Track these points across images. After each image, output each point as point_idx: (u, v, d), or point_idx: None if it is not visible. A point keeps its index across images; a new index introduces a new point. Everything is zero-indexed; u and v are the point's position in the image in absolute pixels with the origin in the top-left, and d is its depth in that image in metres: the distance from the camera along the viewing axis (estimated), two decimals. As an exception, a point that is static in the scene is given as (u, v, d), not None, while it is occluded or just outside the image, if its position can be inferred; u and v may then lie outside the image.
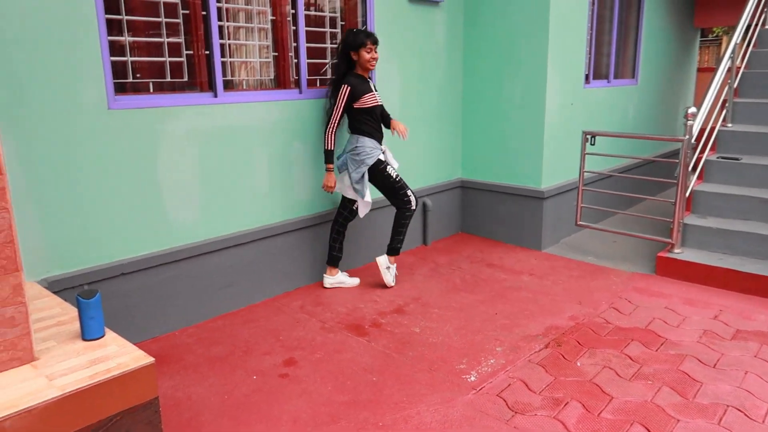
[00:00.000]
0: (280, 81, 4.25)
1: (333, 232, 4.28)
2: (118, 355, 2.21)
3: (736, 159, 4.91)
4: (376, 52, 4.05)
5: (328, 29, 4.51)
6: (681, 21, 7.33)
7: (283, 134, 4.08)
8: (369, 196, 4.11)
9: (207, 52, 3.71)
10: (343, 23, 4.58)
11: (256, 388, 3.00)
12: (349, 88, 3.97)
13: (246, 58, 4.07)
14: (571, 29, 5.12)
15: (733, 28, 5.24)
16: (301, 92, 4.18)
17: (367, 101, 4.04)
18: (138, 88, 3.51)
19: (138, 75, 3.51)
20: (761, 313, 3.88)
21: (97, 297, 2.30)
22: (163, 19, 3.55)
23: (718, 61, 4.93)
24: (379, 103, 4.15)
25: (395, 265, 4.38)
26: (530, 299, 4.14)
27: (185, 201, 3.61)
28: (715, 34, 14.66)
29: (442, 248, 5.25)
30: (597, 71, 5.87)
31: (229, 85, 3.94)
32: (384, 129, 4.27)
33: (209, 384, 3.04)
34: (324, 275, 4.34)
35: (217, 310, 3.84)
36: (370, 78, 4.18)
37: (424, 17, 4.95)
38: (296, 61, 4.19)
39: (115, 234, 3.32)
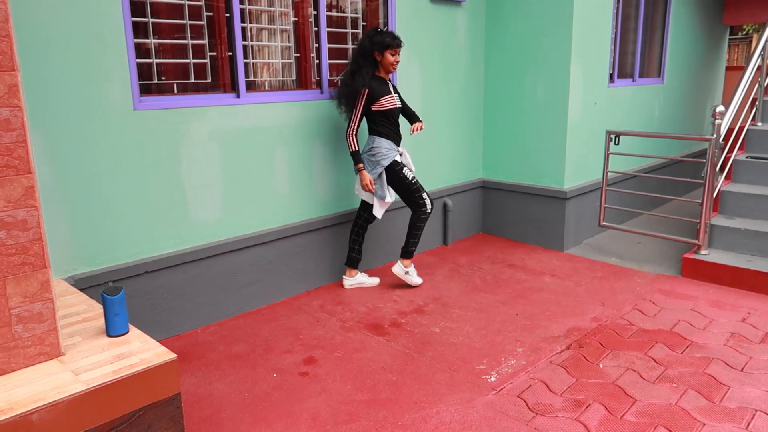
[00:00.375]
0: (302, 81, 4.28)
1: (352, 233, 4.28)
2: (141, 351, 2.25)
3: (766, 159, 4.80)
4: (399, 55, 4.02)
5: (349, 30, 4.53)
6: (709, 18, 7.19)
7: (304, 134, 4.11)
8: (390, 196, 4.10)
9: (230, 54, 3.75)
10: (364, 24, 4.60)
11: (276, 386, 3.03)
12: (367, 90, 3.92)
13: (268, 59, 4.11)
14: (594, 27, 5.05)
15: (764, 25, 5.12)
16: (322, 92, 4.20)
17: (384, 104, 3.99)
18: (163, 90, 3.57)
19: (163, 77, 3.57)
20: (791, 317, 3.78)
21: (121, 294, 2.34)
22: (187, 22, 3.60)
23: (748, 58, 4.81)
24: (397, 105, 4.09)
25: (413, 265, 4.35)
26: (552, 300, 4.10)
27: (208, 200, 3.65)
28: (745, 32, 14.34)
29: (462, 249, 5.23)
30: (622, 70, 5.78)
31: (251, 86, 3.98)
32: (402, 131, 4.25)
33: (230, 381, 3.08)
34: (343, 276, 4.35)
35: (238, 309, 3.88)
36: (389, 79, 4.15)
37: (445, 17, 4.94)
38: (318, 61, 4.21)
39: (139, 233, 3.38)
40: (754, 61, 4.80)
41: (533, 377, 3.09)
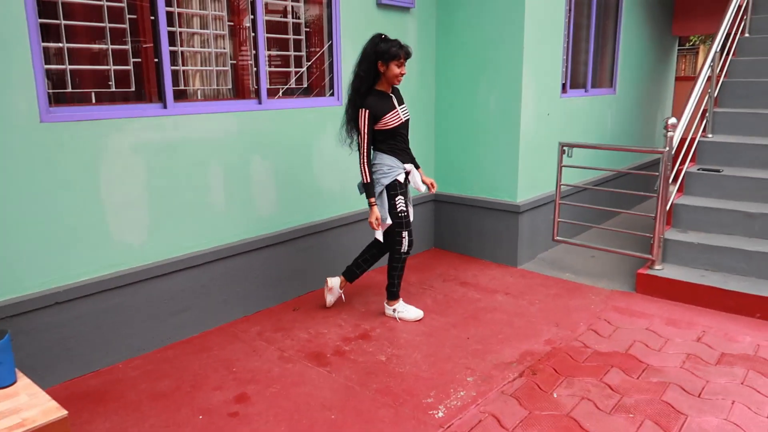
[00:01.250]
0: (239, 91, 3.99)
1: (362, 255, 4.02)
2: (27, 407, 1.92)
3: (717, 171, 4.75)
4: (405, 66, 3.61)
5: (291, 36, 4.27)
6: (659, 29, 7.21)
7: (242, 147, 3.82)
8: (389, 218, 3.72)
9: (156, 60, 3.43)
10: (308, 30, 4.35)
11: (202, 430, 2.72)
12: (368, 111, 3.53)
13: (201, 66, 3.80)
14: (547, 37, 4.93)
15: (712, 36, 5.10)
16: (260, 103, 3.92)
17: (388, 122, 3.59)
18: (81, 99, 3.24)
19: (78, 85, 3.23)
20: (746, 334, 3.69)
21: (6, 339, 2.01)
22: (107, 24, 3.27)
23: (699, 69, 4.76)
24: (403, 120, 3.67)
25: (401, 301, 3.94)
26: (505, 321, 3.91)
27: (131, 221, 3.32)
28: (691, 43, 14.71)
29: (413, 265, 5.01)
30: (574, 80, 5.69)
31: (182, 96, 3.68)
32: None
33: (149, 426, 2.75)
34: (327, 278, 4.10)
35: (167, 339, 3.55)
36: (393, 92, 3.71)
37: (394, 24, 4.73)
38: (256, 69, 3.93)
39: (49, 259, 3.02)
40: (705, 72, 4.75)
41: (483, 411, 2.88)
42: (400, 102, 3.71)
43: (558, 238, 4.93)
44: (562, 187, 4.88)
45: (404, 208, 3.72)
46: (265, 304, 4.08)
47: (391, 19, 4.70)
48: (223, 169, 3.72)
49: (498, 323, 3.88)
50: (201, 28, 3.76)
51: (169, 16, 3.52)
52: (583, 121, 5.74)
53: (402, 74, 3.59)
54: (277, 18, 4.16)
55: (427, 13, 5.02)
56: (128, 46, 3.38)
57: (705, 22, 7.42)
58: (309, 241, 4.30)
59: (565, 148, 4.72)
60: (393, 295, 3.91)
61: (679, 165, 4.75)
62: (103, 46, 3.29)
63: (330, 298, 4.07)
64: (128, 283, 3.31)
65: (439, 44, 5.15)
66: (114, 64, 3.34)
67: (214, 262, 3.72)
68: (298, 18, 4.29)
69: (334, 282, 4.05)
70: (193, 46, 3.75)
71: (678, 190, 4.78)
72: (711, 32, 7.76)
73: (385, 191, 3.67)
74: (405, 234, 3.77)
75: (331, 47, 4.35)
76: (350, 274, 4.04)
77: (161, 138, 3.39)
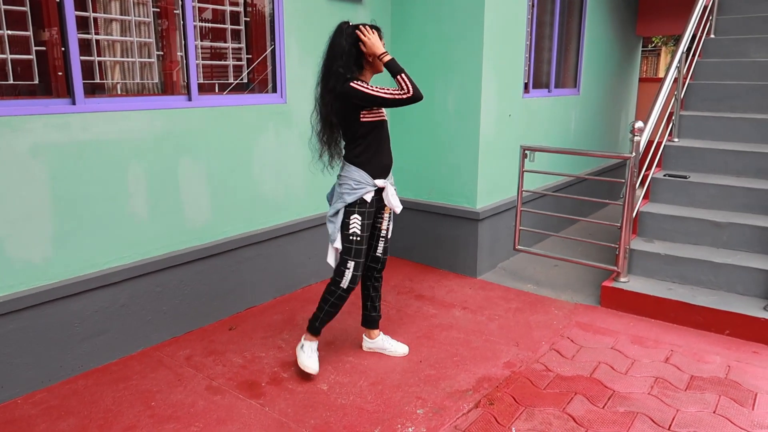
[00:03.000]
0: (168, 86, 3.57)
1: (362, 287, 3.39)
2: None
3: (684, 177, 4.53)
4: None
5: (228, 26, 3.86)
6: (623, 29, 7.02)
7: (169, 149, 3.40)
8: (339, 241, 3.04)
9: (63, 50, 2.99)
10: (247, 19, 3.94)
11: (102, 485, 2.32)
12: (361, 80, 2.89)
13: (121, 57, 3.37)
14: (509, 34, 4.63)
15: (678, 37, 4.88)
16: (190, 99, 3.50)
17: (377, 112, 2.95)
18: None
19: (-35, 76, 2.78)
20: (716, 354, 3.45)
21: None
22: (1, 6, 2.81)
23: (666, 71, 4.54)
24: (385, 118, 3.03)
25: (315, 343, 3.17)
26: (461, 341, 3.59)
27: (31, 235, 2.87)
28: (654, 44, 14.74)
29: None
30: (537, 80, 5.42)
31: (98, 90, 3.24)
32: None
33: (39, 481, 2.34)
34: (363, 336, 3.48)
35: (78, 367, 3.11)
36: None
37: (343, 16, 4.34)
38: (186, 62, 3.51)
39: (-75, 280, 2.56)
40: (671, 74, 4.52)
41: (433, 451, 2.54)
42: None
43: (519, 247, 4.64)
44: (523, 193, 4.59)
45: (358, 231, 2.99)
46: (197, 323, 3.67)
47: (339, 10, 4.32)
48: (145, 174, 3.30)
49: (454, 343, 3.56)
50: (120, 14, 3.32)
51: (81, -1, 3.08)
52: (545, 122, 5.48)
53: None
54: (211, 5, 3.74)
55: (380, 5, 4.66)
56: (29, 33, 2.93)
57: (669, 23, 7.26)
58: (248, 253, 3.90)
59: (527, 151, 4.43)
60: (313, 330, 3.16)
61: (645, 170, 4.52)
62: (-2, 32, 2.84)
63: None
64: (28, 305, 2.86)
65: (393, 40, 4.81)
66: (12, 53, 2.88)
67: (136, 278, 3.30)
68: (237, 6, 3.88)
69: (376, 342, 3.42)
70: (111, 34, 3.31)
71: (644, 197, 4.54)
72: (675, 33, 7.63)
73: (342, 213, 3.01)
74: (351, 264, 3.02)
75: (273, 39, 3.95)
76: (368, 321, 3.43)
77: (68, 139, 2.95)
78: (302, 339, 3.18)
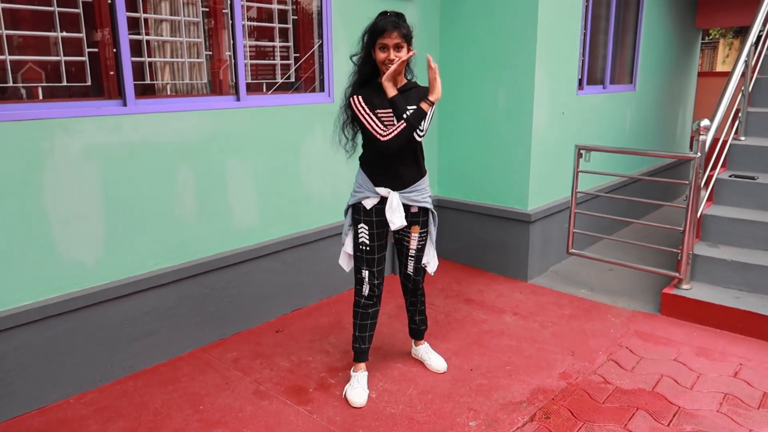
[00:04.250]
0: (216, 86, 3.55)
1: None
2: None
3: (752, 178, 4.26)
4: (396, 50, 2.58)
5: (276, 24, 3.81)
6: (682, 21, 6.70)
7: (217, 150, 3.37)
8: (350, 245, 2.89)
9: (115, 51, 2.99)
10: (295, 18, 3.89)
11: (152, 491, 2.30)
12: (359, 97, 2.66)
13: (171, 57, 3.36)
14: (562, 28, 4.45)
15: (740, 29, 4.59)
16: (239, 99, 3.47)
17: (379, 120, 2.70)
18: (27, 95, 2.81)
19: (21, 78, 2.80)
20: (790, 369, 3.22)
21: None
22: (55, 8, 2.83)
23: (734, 65, 4.27)
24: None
25: (360, 373, 3.00)
26: (513, 348, 3.46)
27: (84, 236, 2.88)
28: (711, 37, 14.11)
29: (414, 278, 4.56)
30: (591, 76, 5.20)
31: (149, 91, 3.24)
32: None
33: (90, 485, 2.33)
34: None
35: (128, 368, 3.12)
36: (406, 87, 2.73)
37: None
38: (234, 61, 3.48)
39: (-18, 281, 2.60)
40: (739, 68, 4.25)
41: (488, 468, 2.43)
42: (406, 104, 2.65)
43: (573, 250, 4.45)
44: (578, 194, 4.40)
45: (366, 242, 2.80)
46: (244, 324, 3.65)
47: (388, 6, 4.21)
48: (194, 175, 3.28)
49: (506, 351, 3.42)
50: (170, 14, 3.31)
51: (132, 0, 3.08)
52: (600, 120, 5.26)
53: (389, 60, 2.57)
54: (260, 4, 3.70)
55: (430, 2, 4.54)
56: (82, 34, 2.94)
57: (731, 14, 6.89)
58: (295, 254, 3.86)
59: (582, 151, 4.24)
60: (354, 354, 3.02)
61: (710, 171, 4.26)
62: (52, 34, 2.85)
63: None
64: (80, 306, 2.88)
65: (443, 36, 4.68)
66: (65, 55, 2.90)
67: (184, 280, 3.29)
68: (285, 4, 3.83)
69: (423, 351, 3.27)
70: (162, 35, 3.31)
71: (707, 199, 4.29)
72: (737, 25, 7.24)
73: (350, 212, 2.88)
74: (365, 273, 2.84)
75: (321, 37, 3.89)
76: (411, 331, 3.30)
77: (119, 140, 2.95)
78: (351, 369, 3.05)
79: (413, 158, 2.76)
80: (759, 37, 4.70)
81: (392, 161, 2.72)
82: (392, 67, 2.56)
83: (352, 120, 2.77)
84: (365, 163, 2.80)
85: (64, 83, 2.93)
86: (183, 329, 3.33)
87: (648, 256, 4.93)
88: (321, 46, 3.90)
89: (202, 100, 3.33)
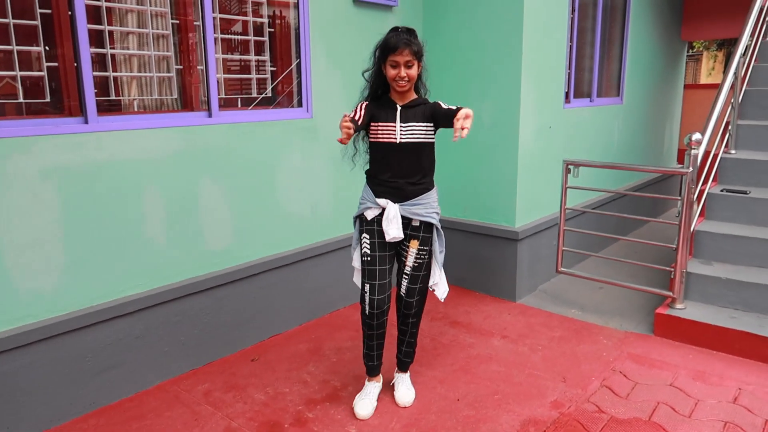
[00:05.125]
0: (188, 101, 3.37)
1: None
2: None
3: (744, 192, 4.15)
4: (407, 67, 2.59)
5: (252, 37, 3.66)
6: (668, 33, 6.64)
7: (187, 168, 3.19)
8: (358, 260, 2.87)
9: (76, 65, 2.81)
10: (272, 30, 3.74)
11: None
12: (365, 102, 2.70)
13: (140, 72, 3.18)
14: (548, 41, 4.33)
15: (723, 41, 4.51)
16: (210, 115, 3.30)
17: (378, 132, 2.68)
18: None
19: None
20: (791, 394, 3.07)
21: None
22: (10, 20, 2.65)
23: (723, 77, 4.18)
24: (397, 141, 2.66)
25: (372, 384, 2.99)
26: (502, 375, 3.28)
27: (40, 263, 2.68)
28: (694, 49, 14.17)
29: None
30: (578, 89, 5.10)
31: (114, 108, 3.06)
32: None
33: None
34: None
35: (90, 405, 2.90)
36: (409, 105, 2.71)
37: (374, 24, 4.12)
38: (206, 76, 3.31)
39: (-75, 315, 2.39)
40: (729, 80, 4.15)
41: None
42: (410, 119, 2.67)
43: (562, 269, 4.30)
44: (566, 211, 4.26)
45: (368, 251, 2.77)
46: (217, 353, 3.45)
47: (369, 18, 4.09)
48: (163, 196, 3.10)
49: (494, 378, 3.25)
50: (138, 27, 3.14)
51: (96, 11, 2.91)
52: (587, 134, 5.14)
53: (400, 77, 2.59)
54: (234, 16, 3.55)
55: (412, 12, 4.42)
56: (41, 48, 2.76)
57: (717, 26, 6.85)
58: (272, 277, 3.67)
59: (570, 166, 4.11)
60: (367, 368, 3.00)
61: (701, 185, 4.14)
62: (7, 48, 2.67)
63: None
64: (37, 339, 2.67)
65: (426, 48, 4.53)
66: (22, 70, 2.72)
67: (152, 307, 3.09)
68: (261, 16, 3.68)
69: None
70: (128, 48, 3.13)
71: (699, 214, 4.17)
72: (723, 37, 7.21)
73: (357, 224, 2.88)
74: (366, 287, 2.78)
75: (298, 50, 3.74)
76: (399, 364, 3.11)
77: (80, 159, 2.76)
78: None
79: (418, 171, 2.73)
80: (746, 48, 4.62)
81: (389, 175, 2.71)
82: None
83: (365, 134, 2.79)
84: (369, 176, 2.82)
85: (21, 100, 2.74)
86: (151, 360, 3.12)
87: (639, 272, 4.80)
88: (299, 59, 3.75)
89: (171, 117, 3.15)
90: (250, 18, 3.62)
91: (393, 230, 2.70)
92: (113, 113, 3.01)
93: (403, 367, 3.08)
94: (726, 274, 3.78)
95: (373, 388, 2.95)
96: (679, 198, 3.71)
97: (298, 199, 3.80)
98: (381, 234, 2.76)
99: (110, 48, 3.02)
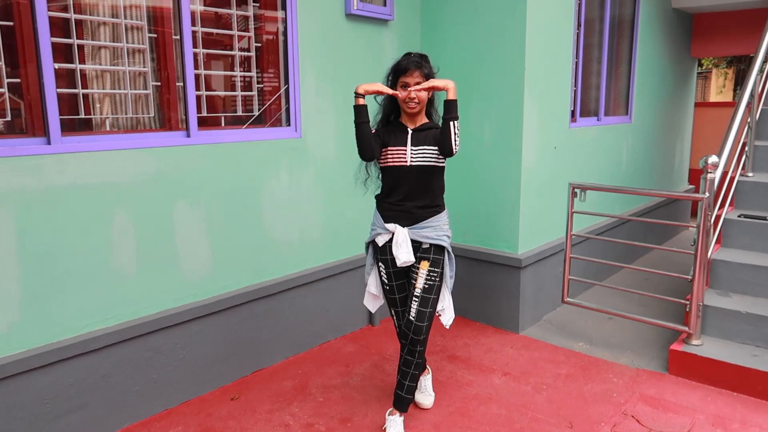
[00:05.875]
0: (166, 120, 3.15)
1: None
2: None
3: (764, 218, 3.87)
4: (413, 91, 2.64)
5: (237, 52, 3.44)
6: (677, 50, 6.41)
7: (162, 193, 2.96)
8: (373, 284, 2.93)
9: (40, 81, 2.59)
10: (258, 45, 3.52)
11: None
12: (377, 129, 2.76)
13: (112, 89, 2.97)
14: (553, 57, 4.11)
15: (732, 58, 4.26)
16: (189, 135, 3.08)
17: (388, 157, 2.68)
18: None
19: None
20: (822, 444, 2.78)
21: None
22: (-33, 34, 2.44)
23: (739, 95, 3.93)
24: (408, 164, 2.66)
25: (427, 377, 3.13)
26: (503, 419, 3.00)
27: (-7, 297, 2.45)
28: (703, 67, 13.92)
29: (393, 331, 4.11)
30: (585, 107, 4.86)
31: (85, 127, 2.84)
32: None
33: None
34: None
35: (48, 452, 2.64)
36: (420, 129, 2.72)
37: (367, 39, 3.91)
38: (185, 93, 3.09)
39: None
40: (745, 99, 3.90)
41: None
42: (421, 143, 2.67)
43: (569, 299, 4.03)
44: (573, 236, 4.00)
45: (385, 281, 2.83)
46: (194, 392, 3.18)
47: (363, 33, 3.88)
48: (134, 222, 2.86)
49: (494, 422, 2.97)
50: (111, 41, 2.93)
51: (65, 24, 2.70)
52: (594, 154, 4.89)
53: (412, 99, 2.63)
54: (216, 29, 3.34)
55: (408, 26, 4.20)
56: (1, 63, 2.54)
57: (728, 43, 6.62)
58: (256, 308, 3.42)
59: (576, 190, 3.85)
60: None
61: (717, 210, 3.88)
62: (-38, 62, 2.46)
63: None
64: (-13, 381, 2.42)
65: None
66: (-21, 86, 2.50)
67: (121, 343, 2.84)
68: (246, 30, 3.47)
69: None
70: (101, 63, 2.92)
71: (715, 241, 3.89)
72: (734, 53, 6.98)
73: (370, 249, 2.89)
74: (393, 313, 2.89)
75: (286, 66, 3.52)
76: (399, 401, 2.82)
77: (40, 184, 2.53)
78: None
79: (427, 193, 2.73)
80: (763, 65, 4.37)
81: (398, 199, 2.71)
82: (410, 90, 2.62)
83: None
84: (378, 200, 2.82)
85: (-23, 119, 2.52)
86: (118, 401, 2.86)
87: (649, 302, 4.51)
88: (287, 75, 3.53)
89: (144, 137, 2.93)
90: (235, 32, 3.41)
91: (403, 254, 2.67)
92: (82, 133, 2.79)
93: (402, 407, 2.80)
94: (746, 307, 3.50)
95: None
96: (694, 225, 3.44)
97: (285, 224, 3.55)
98: (394, 263, 2.75)
99: (80, 63, 2.80)
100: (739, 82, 13.39)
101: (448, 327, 2.91)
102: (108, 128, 2.97)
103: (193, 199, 3.09)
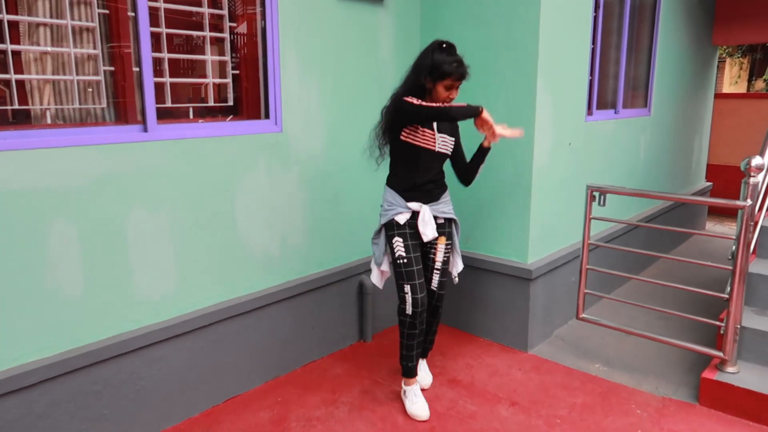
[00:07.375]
0: (122, 112, 2.70)
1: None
2: None
3: (806, 227, 3.43)
4: (457, 90, 2.77)
5: (207, 33, 2.98)
6: (698, 37, 5.93)
7: (113, 198, 2.52)
8: (385, 263, 3.01)
9: (-44, 64, 2.14)
10: (232, 24, 3.06)
11: None
12: (413, 98, 2.69)
13: (54, 74, 2.51)
14: (569, 44, 3.64)
15: (745, 47, 3.79)
16: (146, 129, 2.63)
17: (418, 137, 2.78)
18: None
19: None
20: None
21: None
22: None
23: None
24: (435, 150, 2.83)
25: (415, 385, 3.02)
26: (512, 464, 2.58)
27: None
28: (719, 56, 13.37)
29: (387, 348, 3.68)
30: (602, 99, 4.39)
31: (20, 119, 2.39)
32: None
33: None
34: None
35: None
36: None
37: (360, 21, 3.45)
38: (140, 80, 2.63)
39: None
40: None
41: None
42: (443, 131, 2.87)
43: (584, 316, 3.59)
44: (589, 244, 3.55)
45: (403, 254, 2.84)
46: (156, 426, 2.76)
47: (356, 13, 3.41)
48: (78, 233, 2.42)
49: (501, 468, 2.54)
50: (51, 17, 2.47)
51: (-10, -5, 2.25)
52: (611, 149, 4.43)
53: (451, 98, 2.77)
54: (181, 6, 2.87)
55: (407, 7, 3.73)
56: None
57: (751, 30, 6.14)
58: (229, 327, 2.99)
59: (595, 193, 3.40)
60: (405, 370, 3.01)
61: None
62: None
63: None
64: None
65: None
66: None
67: (62, 376, 2.41)
68: (220, 8, 3.01)
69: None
70: (38, 44, 2.46)
71: (751, 252, 3.45)
72: (758, 41, 6.51)
73: (383, 230, 2.94)
74: (407, 288, 2.85)
75: (266, 50, 3.06)
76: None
77: (-45, 190, 2.09)
78: (402, 384, 3.05)
79: (441, 174, 2.96)
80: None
81: (420, 178, 2.86)
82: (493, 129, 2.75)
83: (391, 127, 2.79)
84: (396, 182, 2.90)
85: None
86: (60, 443, 2.43)
87: (670, 315, 4.07)
88: (266, 60, 3.07)
89: (92, 132, 2.48)
90: (205, 9, 2.95)
91: (430, 231, 2.88)
92: (15, 127, 2.35)
93: (425, 354, 3.25)
94: (789, 329, 3.07)
95: (418, 389, 3.02)
96: (734, 238, 3.00)
97: (263, 231, 3.11)
98: (413, 236, 2.88)
99: (11, 44, 2.35)
100: (754, 73, 12.84)
101: (456, 279, 3.15)
102: (49, 121, 2.52)
103: (153, 205, 2.64)
